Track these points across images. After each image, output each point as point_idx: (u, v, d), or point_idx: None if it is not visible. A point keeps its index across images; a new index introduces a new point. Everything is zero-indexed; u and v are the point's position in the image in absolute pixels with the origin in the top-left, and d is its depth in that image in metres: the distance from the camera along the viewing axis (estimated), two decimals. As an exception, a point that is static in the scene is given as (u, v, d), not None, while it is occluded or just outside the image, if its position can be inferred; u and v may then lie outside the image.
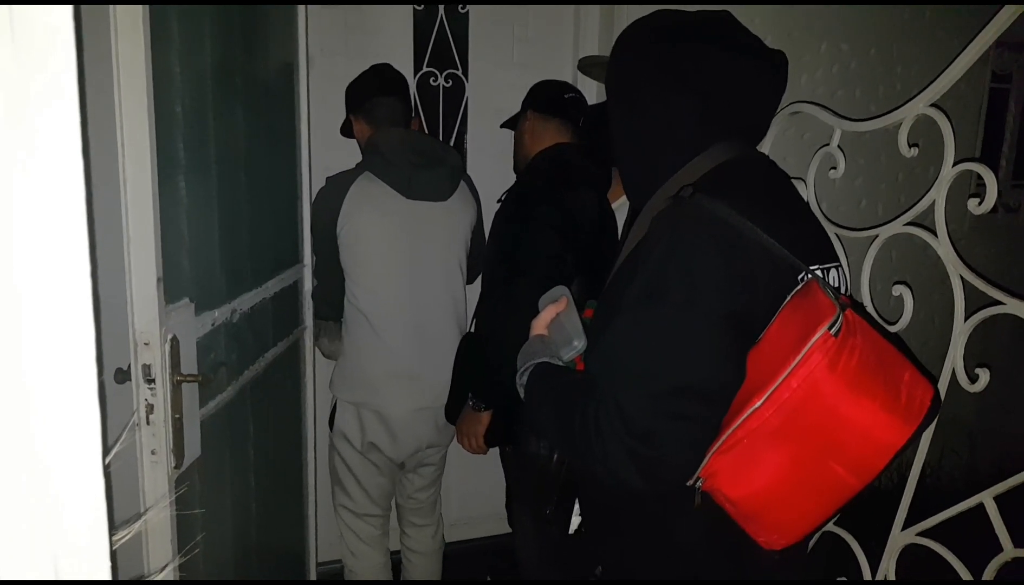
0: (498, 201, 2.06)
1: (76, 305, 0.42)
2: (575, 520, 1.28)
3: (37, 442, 0.42)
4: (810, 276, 0.97)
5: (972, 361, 1.38)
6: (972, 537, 1.37)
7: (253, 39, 1.76)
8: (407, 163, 2.01)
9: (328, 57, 2.59)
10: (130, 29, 1.14)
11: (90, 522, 0.42)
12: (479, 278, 2.22)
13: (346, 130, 2.27)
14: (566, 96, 2.09)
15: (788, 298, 0.97)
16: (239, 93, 1.63)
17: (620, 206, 2.15)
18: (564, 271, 1.84)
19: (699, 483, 0.98)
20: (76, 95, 0.41)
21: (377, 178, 2.02)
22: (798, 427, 0.90)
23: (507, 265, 1.90)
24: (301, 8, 2.09)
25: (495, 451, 2.13)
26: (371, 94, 2.14)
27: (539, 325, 1.22)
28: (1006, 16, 1.26)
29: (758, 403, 0.90)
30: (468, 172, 2.78)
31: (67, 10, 0.40)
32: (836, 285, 1.13)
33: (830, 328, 0.87)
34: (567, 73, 2.78)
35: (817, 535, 1.27)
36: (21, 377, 0.42)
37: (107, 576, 0.43)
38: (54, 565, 0.41)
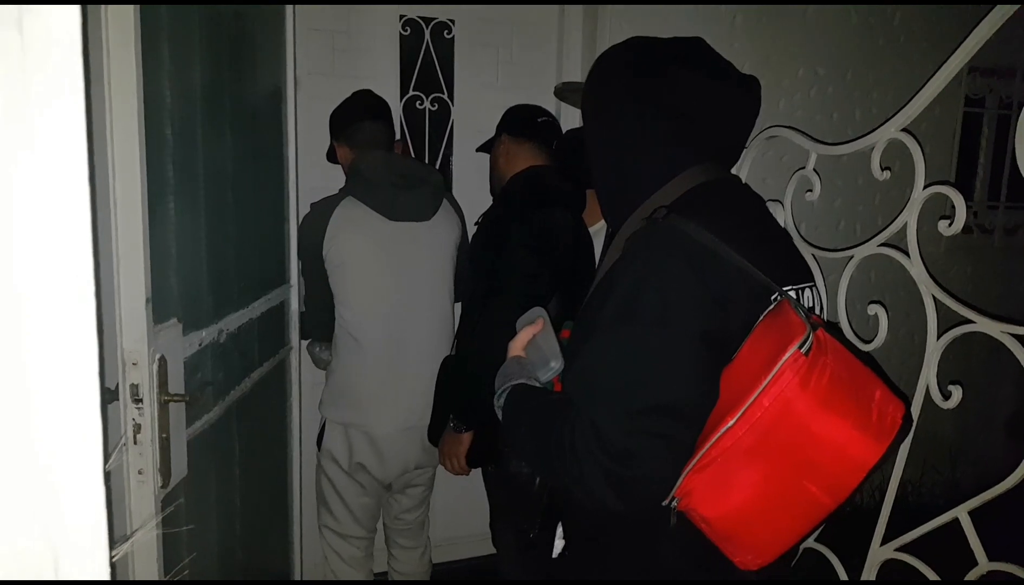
0: (475, 223, 2.09)
1: (79, 304, 0.43)
2: (559, 543, 1.28)
3: (41, 447, 0.44)
4: (782, 296, 1.00)
5: (950, 379, 1.41)
6: (952, 552, 1.39)
7: (242, 61, 1.78)
8: (389, 185, 2.04)
9: (315, 80, 2.62)
10: (121, 48, 1.16)
11: (91, 524, 0.44)
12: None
13: (331, 156, 2.30)
14: (539, 120, 2.13)
15: (760, 318, 0.99)
16: (228, 115, 1.65)
17: (599, 229, 2.18)
18: (540, 291, 1.87)
19: (674, 503, 0.98)
20: (83, 97, 0.43)
21: (360, 201, 2.04)
22: (771, 446, 0.91)
23: (484, 286, 1.93)
24: (289, 30, 2.12)
25: (479, 470, 2.14)
26: (352, 119, 2.17)
27: (516, 347, 1.23)
28: (973, 43, 1.30)
29: (731, 422, 0.91)
30: (454, 194, 2.81)
31: (75, 10, 0.42)
32: (811, 305, 1.15)
33: (800, 347, 0.88)
34: (550, 96, 2.82)
35: (799, 553, 1.29)
36: (23, 376, 0.43)
37: (106, 576, 0.44)
38: (55, 566, 0.43)
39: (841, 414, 0.89)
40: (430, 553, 2.46)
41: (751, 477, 0.93)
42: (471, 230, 2.13)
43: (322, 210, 2.07)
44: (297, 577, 2.33)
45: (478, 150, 2.29)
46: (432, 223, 2.12)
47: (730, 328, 0.98)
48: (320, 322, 2.18)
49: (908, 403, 0.97)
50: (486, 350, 1.82)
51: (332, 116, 2.23)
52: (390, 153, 2.19)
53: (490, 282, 1.91)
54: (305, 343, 2.32)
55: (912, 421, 0.95)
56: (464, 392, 1.97)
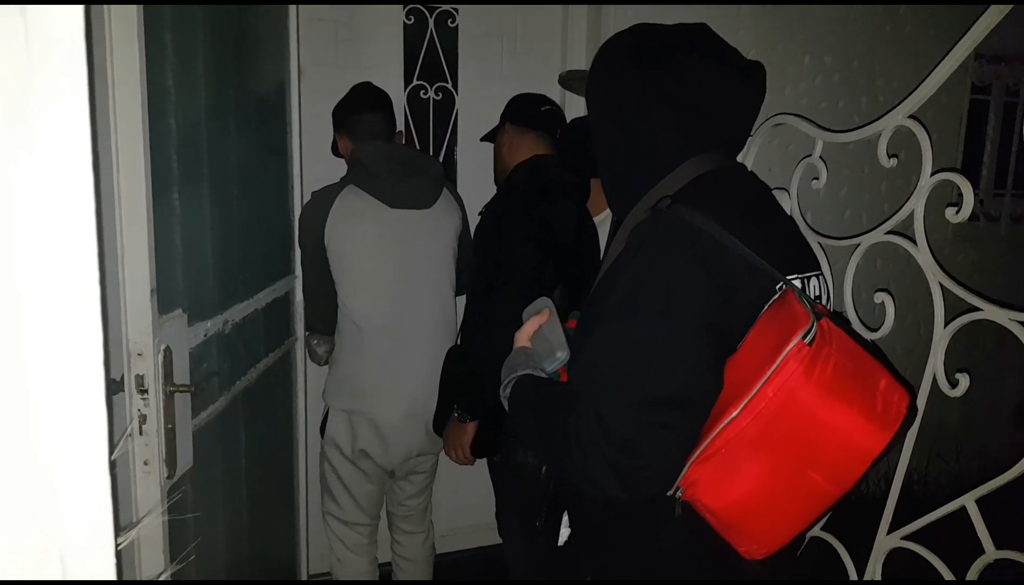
0: (479, 214, 2.09)
1: (84, 303, 0.43)
2: (564, 532, 1.29)
3: (41, 445, 0.44)
4: (787, 286, 0.99)
5: (956, 368, 1.40)
6: (958, 541, 1.39)
7: (246, 52, 1.78)
8: (389, 174, 2.05)
9: (319, 70, 2.61)
10: (125, 42, 1.16)
11: (96, 522, 0.44)
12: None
13: (336, 150, 2.32)
14: (542, 109, 2.13)
15: (765, 308, 0.98)
16: (232, 105, 1.65)
17: (604, 219, 2.17)
18: (543, 282, 1.87)
19: (679, 493, 0.98)
20: (86, 96, 0.42)
21: (361, 190, 2.05)
22: (775, 436, 0.90)
23: (487, 277, 1.92)
24: (293, 21, 2.11)
25: (485, 461, 2.15)
26: (352, 111, 2.19)
27: (522, 337, 1.22)
28: (980, 30, 1.29)
29: (735, 413, 0.91)
30: (459, 184, 2.81)
31: (78, 10, 0.42)
32: (817, 294, 1.15)
33: (804, 337, 0.88)
34: (555, 85, 2.81)
35: (805, 541, 1.29)
36: (24, 381, 0.43)
37: (112, 576, 0.44)
38: (62, 565, 0.43)
39: (846, 403, 0.89)
40: (433, 538, 2.48)
41: (755, 467, 0.93)
42: (474, 220, 2.12)
43: (323, 199, 2.08)
44: (303, 566, 2.34)
45: (482, 140, 2.29)
46: (432, 211, 2.14)
47: (734, 318, 0.98)
48: (322, 315, 2.19)
49: (913, 393, 0.96)
50: (489, 340, 1.82)
51: (334, 109, 2.26)
52: (390, 143, 2.20)
53: (493, 272, 1.91)
54: (307, 333, 2.33)
55: (917, 411, 0.95)
56: (468, 382, 1.98)
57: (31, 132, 0.42)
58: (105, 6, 1.13)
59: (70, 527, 0.45)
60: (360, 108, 2.19)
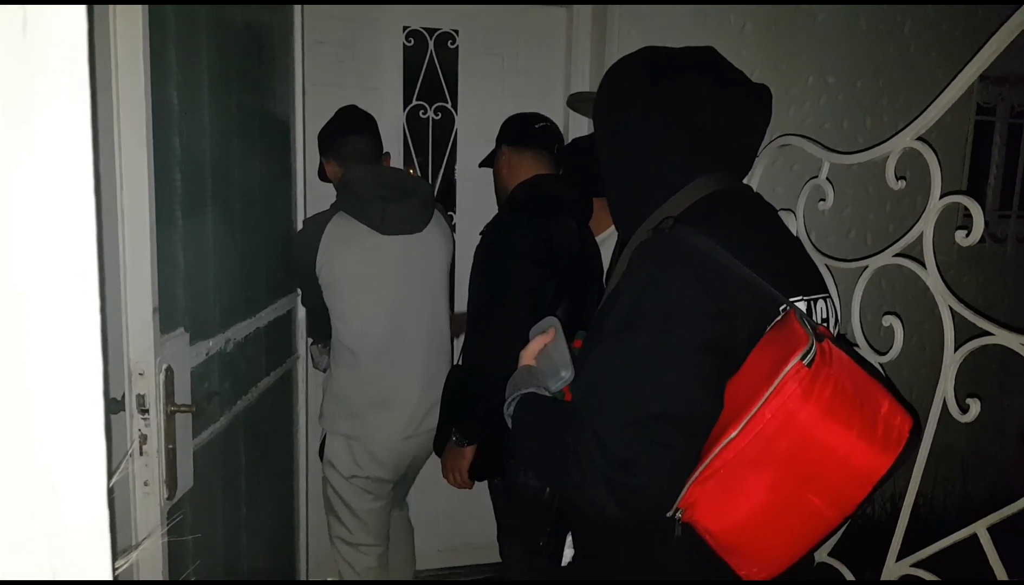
0: (480, 234, 2.07)
1: (82, 305, 0.43)
2: (568, 553, 1.27)
3: (44, 458, 0.43)
4: (789, 308, 0.98)
5: (963, 390, 1.39)
6: (966, 567, 1.37)
7: (250, 72, 1.78)
8: (378, 199, 2.03)
9: (321, 90, 2.61)
10: (130, 60, 1.16)
11: (93, 538, 0.43)
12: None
13: (323, 175, 2.30)
14: (536, 126, 2.11)
15: (767, 330, 0.98)
16: (236, 124, 1.65)
17: (607, 238, 2.16)
18: (544, 301, 1.85)
19: (678, 514, 0.97)
20: (87, 98, 0.42)
21: (351, 216, 2.04)
22: (774, 457, 0.90)
23: (487, 298, 1.91)
24: (298, 42, 2.12)
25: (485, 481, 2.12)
26: (338, 135, 2.18)
27: (527, 356, 1.22)
28: (989, 52, 1.29)
29: (733, 433, 0.90)
30: (458, 204, 2.81)
31: (79, 10, 0.42)
32: (824, 317, 1.14)
33: (803, 358, 0.87)
34: (558, 104, 2.82)
35: (814, 564, 1.27)
36: (25, 387, 0.42)
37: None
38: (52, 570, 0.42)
39: (845, 425, 0.88)
40: (408, 512, 2.51)
41: (754, 489, 0.92)
42: (475, 240, 2.11)
43: (314, 227, 2.07)
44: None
45: (481, 165, 2.27)
46: (424, 235, 2.13)
47: (735, 339, 0.98)
48: (320, 330, 2.21)
49: (917, 416, 0.95)
50: (489, 362, 1.81)
51: (320, 134, 2.24)
52: (377, 166, 2.18)
53: (493, 291, 1.89)
54: (310, 341, 2.34)
55: (921, 434, 0.93)
56: (466, 405, 1.96)
57: (31, 132, 0.41)
58: (110, 13, 1.13)
59: (68, 546, 0.44)
60: (346, 131, 2.17)
